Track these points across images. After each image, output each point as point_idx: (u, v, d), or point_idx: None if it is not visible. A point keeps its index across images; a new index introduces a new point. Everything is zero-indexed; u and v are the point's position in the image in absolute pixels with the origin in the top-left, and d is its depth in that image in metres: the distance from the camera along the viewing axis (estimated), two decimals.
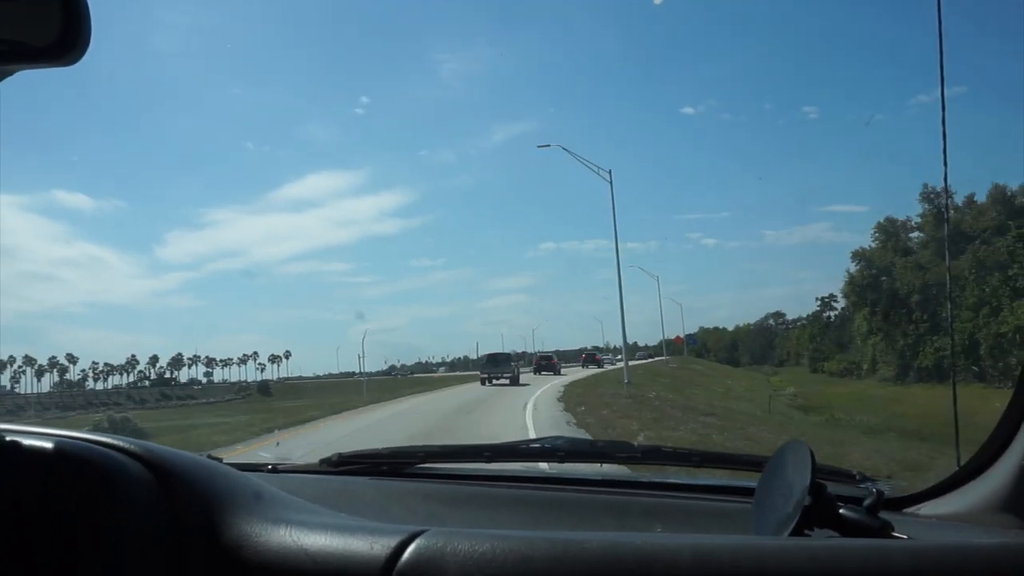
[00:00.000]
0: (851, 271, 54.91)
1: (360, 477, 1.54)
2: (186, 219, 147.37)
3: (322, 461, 1.62)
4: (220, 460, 1.09)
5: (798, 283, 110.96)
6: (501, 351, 40.02)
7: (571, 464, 1.58)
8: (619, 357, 46.79)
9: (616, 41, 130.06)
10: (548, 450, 1.56)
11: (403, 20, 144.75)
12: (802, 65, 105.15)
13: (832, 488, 0.99)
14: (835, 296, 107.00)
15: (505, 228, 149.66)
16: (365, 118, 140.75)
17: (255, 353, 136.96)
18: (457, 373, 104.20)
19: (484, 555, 0.80)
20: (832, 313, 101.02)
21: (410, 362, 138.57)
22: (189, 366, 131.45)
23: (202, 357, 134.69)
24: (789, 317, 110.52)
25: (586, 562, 0.79)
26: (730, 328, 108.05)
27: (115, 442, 0.94)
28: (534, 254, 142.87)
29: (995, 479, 1.10)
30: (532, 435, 8.23)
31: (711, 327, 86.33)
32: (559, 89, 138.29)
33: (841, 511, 0.95)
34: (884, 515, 0.96)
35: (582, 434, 10.66)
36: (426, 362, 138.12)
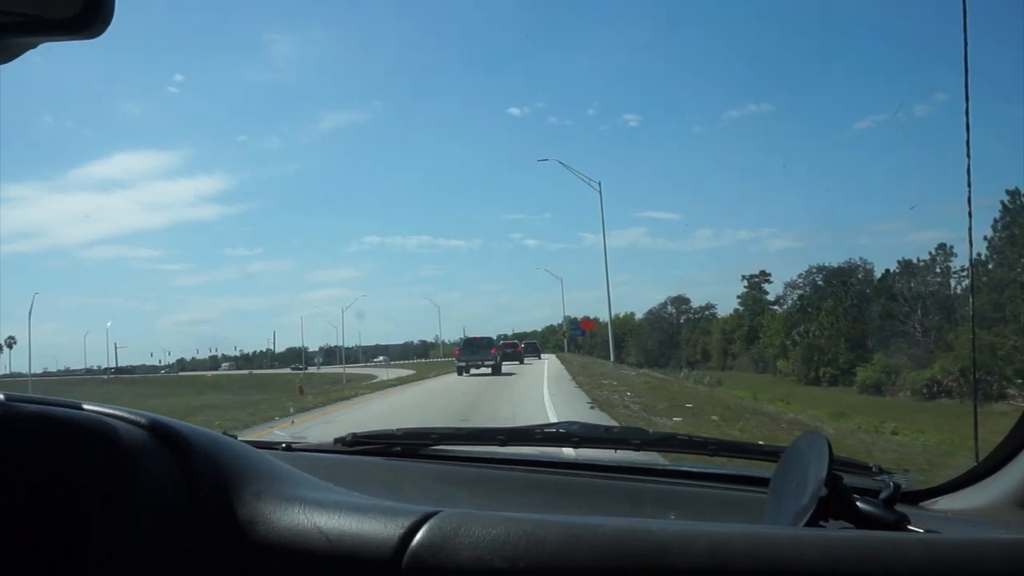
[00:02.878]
0: None
1: (374, 457, 1.65)
2: None
3: (336, 440, 1.71)
4: (235, 437, 1.21)
5: (614, 285, 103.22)
6: (480, 335, 35.53)
7: (585, 449, 1.69)
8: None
9: (445, 37, 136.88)
10: (563, 435, 1.67)
11: None
12: (624, 74, 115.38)
13: (848, 480, 1.04)
14: (767, 273, 76.54)
15: (330, 219, 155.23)
16: (180, 96, 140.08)
17: None
18: (253, 371, 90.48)
19: (497, 537, 0.83)
20: (763, 295, 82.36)
21: (202, 356, 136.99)
22: None
23: None
24: (695, 304, 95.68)
25: (600, 547, 0.81)
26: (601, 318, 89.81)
27: (132, 416, 0.98)
28: (358, 247, 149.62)
29: (1013, 475, 1.16)
30: None
31: (577, 316, 78.23)
32: (389, 81, 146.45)
33: (857, 503, 0.98)
34: (900, 508, 1.01)
35: None
36: (217, 356, 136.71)
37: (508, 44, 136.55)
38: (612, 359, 36.45)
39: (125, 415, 0.97)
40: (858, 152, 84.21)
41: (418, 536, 0.85)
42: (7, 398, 0.97)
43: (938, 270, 50.87)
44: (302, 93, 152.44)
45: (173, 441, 0.95)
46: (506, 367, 33.32)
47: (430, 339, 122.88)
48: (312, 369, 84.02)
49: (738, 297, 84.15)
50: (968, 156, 1.42)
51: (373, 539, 0.86)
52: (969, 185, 1.43)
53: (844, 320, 52.52)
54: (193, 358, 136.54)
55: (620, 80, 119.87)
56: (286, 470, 1.07)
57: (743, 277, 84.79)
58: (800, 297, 64.74)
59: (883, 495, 1.03)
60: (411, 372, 51.84)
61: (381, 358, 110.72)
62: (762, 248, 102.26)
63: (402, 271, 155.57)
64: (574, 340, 76.70)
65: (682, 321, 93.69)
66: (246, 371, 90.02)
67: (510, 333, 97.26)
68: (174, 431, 0.97)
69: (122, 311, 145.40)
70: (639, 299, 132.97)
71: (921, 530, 0.96)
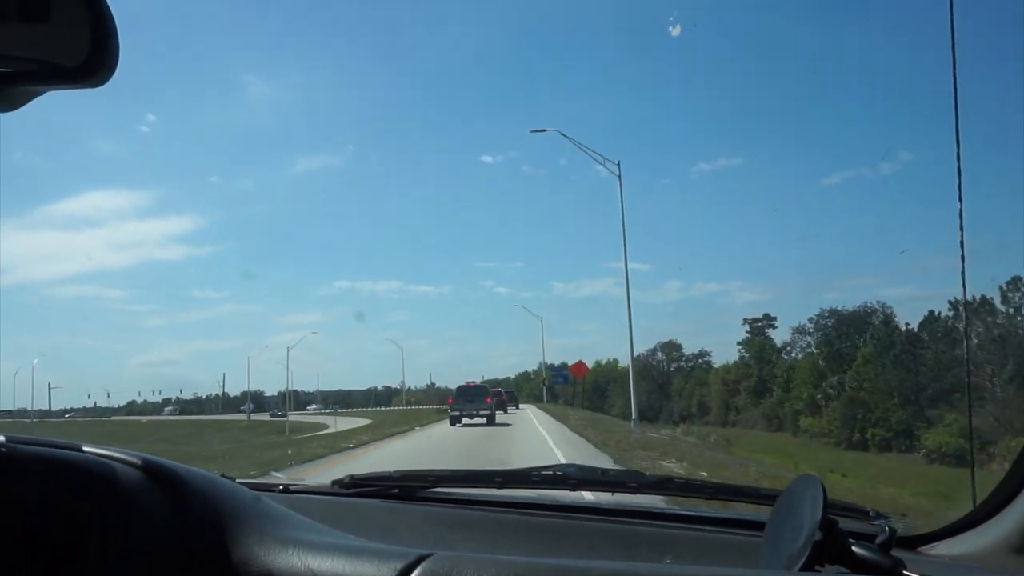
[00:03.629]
0: None
1: (371, 500, 1.66)
2: None
3: (334, 483, 1.74)
4: (233, 479, 1.26)
5: (583, 335, 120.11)
6: (473, 383, 34.70)
7: (583, 492, 1.70)
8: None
9: (421, 83, 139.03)
10: (559, 477, 1.69)
11: (206, 36, 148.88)
12: (596, 125, 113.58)
13: (844, 524, 1.07)
14: (772, 317, 75.08)
15: (300, 263, 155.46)
16: (151, 136, 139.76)
17: None
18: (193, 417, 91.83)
19: None
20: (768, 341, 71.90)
21: (155, 398, 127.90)
22: None
23: None
24: (688, 351, 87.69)
25: None
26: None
27: (128, 457, 1.04)
28: (327, 291, 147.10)
29: (1009, 520, 1.18)
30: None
31: (553, 363, 72.14)
32: (363, 126, 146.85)
33: (853, 548, 1.01)
34: (897, 553, 1.03)
35: None
36: (170, 398, 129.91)
37: (483, 92, 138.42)
38: (634, 416, 26.57)
39: (122, 456, 1.02)
40: (826, 208, 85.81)
41: None
42: (8, 439, 1.01)
43: (1009, 310, 42.01)
44: (276, 135, 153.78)
45: (169, 482, 0.99)
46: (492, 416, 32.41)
47: (395, 385, 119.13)
48: (243, 415, 74.43)
49: (739, 344, 75.70)
50: (960, 200, 1.44)
51: None
52: (961, 229, 1.44)
53: (894, 371, 43.06)
54: (145, 400, 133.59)
55: (592, 131, 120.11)
56: (282, 512, 1.11)
57: (744, 320, 76.86)
58: (826, 343, 55.86)
59: (879, 540, 1.03)
60: (367, 422, 46.95)
61: (313, 406, 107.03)
62: (730, 300, 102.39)
63: (371, 316, 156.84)
64: (552, 388, 67.15)
65: (672, 369, 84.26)
66: (193, 416, 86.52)
67: (479, 380, 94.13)
68: (170, 472, 1.01)
69: (89, 351, 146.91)
70: (607, 349, 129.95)
71: (916, 575, 0.96)
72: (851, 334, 53.84)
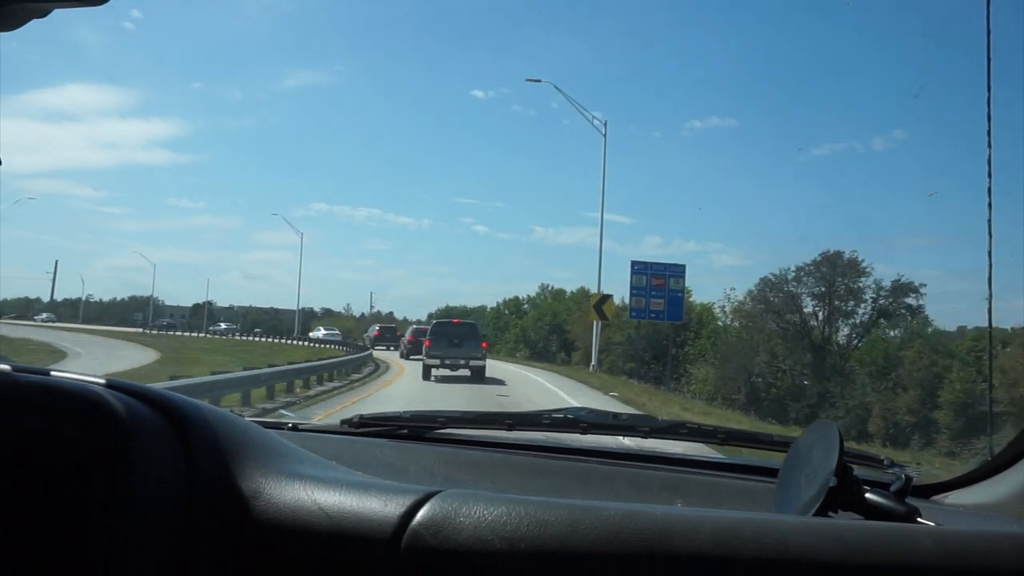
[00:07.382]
0: None
1: (380, 439, 1.65)
2: None
3: (343, 422, 1.74)
4: (242, 415, 1.24)
5: (559, 282, 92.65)
6: (453, 319, 27.95)
7: (593, 436, 1.69)
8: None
9: (419, 7, 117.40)
10: (570, 421, 1.68)
11: None
12: (591, 72, 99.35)
13: (859, 472, 1.07)
14: None
15: (280, 181, 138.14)
16: (136, 33, 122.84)
17: None
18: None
19: (499, 517, 0.83)
20: None
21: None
22: None
23: None
24: (882, 275, 41.00)
25: (603, 529, 0.81)
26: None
27: (132, 388, 1.01)
28: (305, 212, 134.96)
29: None
30: None
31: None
32: (356, 46, 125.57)
33: (867, 495, 1.00)
34: (911, 501, 1.03)
35: None
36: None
37: (480, 25, 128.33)
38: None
39: (123, 385, 0.98)
40: (811, 178, 79.51)
41: (419, 515, 0.84)
42: (14, 368, 0.97)
43: None
44: (266, 46, 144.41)
45: (173, 415, 0.95)
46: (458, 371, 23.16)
47: (339, 308, 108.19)
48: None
49: None
50: (989, 144, 1.46)
51: (373, 517, 0.86)
52: (989, 192, 1.43)
53: None
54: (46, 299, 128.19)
55: (587, 77, 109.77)
56: (290, 448, 1.09)
57: None
58: None
59: (894, 487, 1.03)
60: (153, 357, 31.38)
61: (44, 315, 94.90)
62: (708, 262, 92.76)
63: (347, 243, 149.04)
64: (640, 323, 28.59)
65: (826, 314, 37.39)
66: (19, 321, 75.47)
67: (434, 310, 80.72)
68: (175, 405, 0.97)
69: (57, 250, 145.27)
70: None
71: (931, 523, 0.95)
72: None
